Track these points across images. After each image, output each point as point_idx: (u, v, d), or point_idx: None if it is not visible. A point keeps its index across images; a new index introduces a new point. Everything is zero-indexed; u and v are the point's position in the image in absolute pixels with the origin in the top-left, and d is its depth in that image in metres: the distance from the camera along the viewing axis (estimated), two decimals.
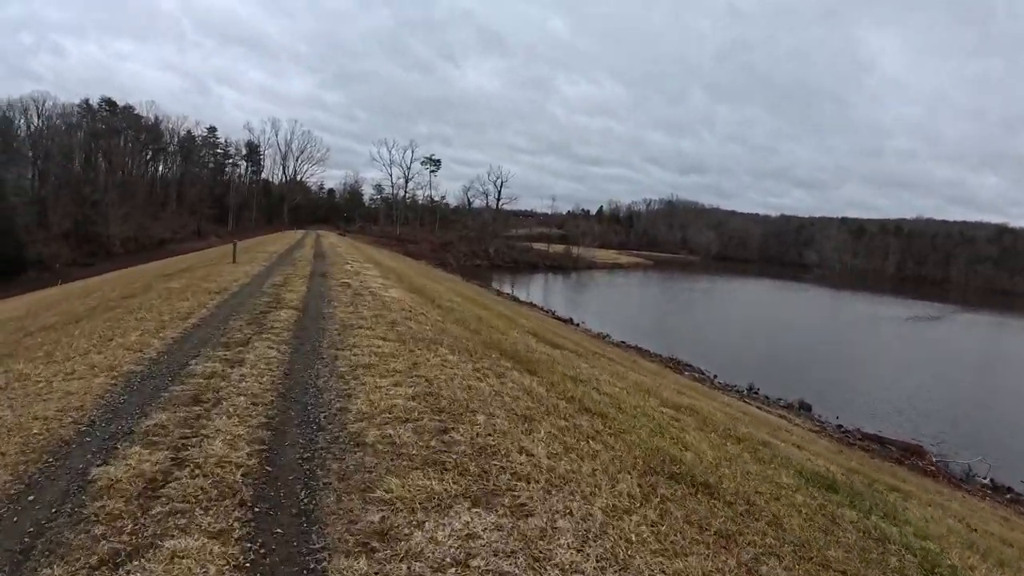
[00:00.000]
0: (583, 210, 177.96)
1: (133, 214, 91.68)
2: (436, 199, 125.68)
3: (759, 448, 10.07)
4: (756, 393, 28.40)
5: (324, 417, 6.36)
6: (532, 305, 54.65)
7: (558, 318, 47.12)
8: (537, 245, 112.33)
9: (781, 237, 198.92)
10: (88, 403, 6.53)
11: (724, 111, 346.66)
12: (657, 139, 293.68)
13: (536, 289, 76.36)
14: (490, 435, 6.18)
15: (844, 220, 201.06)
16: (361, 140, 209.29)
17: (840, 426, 24.38)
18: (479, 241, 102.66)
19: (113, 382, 7.35)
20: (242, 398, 6.78)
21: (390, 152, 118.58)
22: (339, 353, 9.11)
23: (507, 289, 70.55)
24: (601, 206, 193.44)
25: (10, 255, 77.07)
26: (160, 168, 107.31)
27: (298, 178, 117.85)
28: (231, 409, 6.37)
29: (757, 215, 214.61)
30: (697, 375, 30.83)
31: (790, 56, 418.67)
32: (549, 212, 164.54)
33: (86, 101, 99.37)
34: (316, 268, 23.95)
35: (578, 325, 45.10)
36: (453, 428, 6.21)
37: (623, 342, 38.60)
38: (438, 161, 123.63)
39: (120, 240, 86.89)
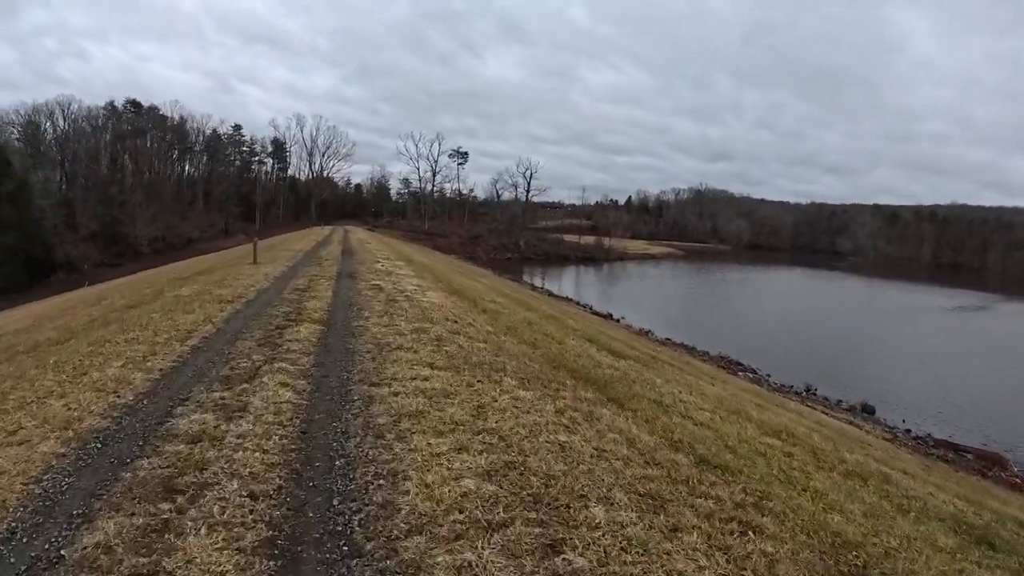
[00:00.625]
0: (611, 200, 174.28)
1: (161, 214, 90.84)
2: (464, 192, 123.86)
3: (887, 489, 8.12)
4: (815, 395, 26.35)
5: (359, 524, 4.04)
6: (569, 300, 52.36)
7: (597, 313, 44.87)
8: (568, 237, 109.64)
9: (813, 225, 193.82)
10: (12, 498, 4.31)
11: (751, 96, 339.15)
12: (683, 126, 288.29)
13: (570, 282, 73.93)
14: (624, 551, 3.85)
15: (877, 207, 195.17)
16: (385, 135, 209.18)
17: (909, 431, 22.32)
18: (508, 234, 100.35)
19: (62, 451, 5.12)
20: (235, 484, 4.48)
21: (416, 145, 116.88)
22: (375, 392, 6.80)
23: (540, 283, 68.25)
24: (630, 196, 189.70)
25: (39, 257, 76.50)
26: (187, 168, 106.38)
27: (325, 174, 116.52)
28: (216, 511, 4.07)
29: (787, 203, 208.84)
30: (751, 375, 28.80)
31: (816, 38, 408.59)
32: (576, 203, 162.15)
33: (111, 103, 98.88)
34: (344, 268, 21.81)
35: (619, 321, 42.86)
36: (564, 541, 3.87)
37: (668, 339, 36.27)
38: (465, 153, 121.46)
39: (147, 240, 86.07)
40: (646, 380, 11.85)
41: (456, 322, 12.07)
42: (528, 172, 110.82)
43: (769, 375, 28.91)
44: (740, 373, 28.31)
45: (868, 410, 24.49)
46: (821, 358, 35.86)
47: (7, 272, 72.97)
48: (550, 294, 54.33)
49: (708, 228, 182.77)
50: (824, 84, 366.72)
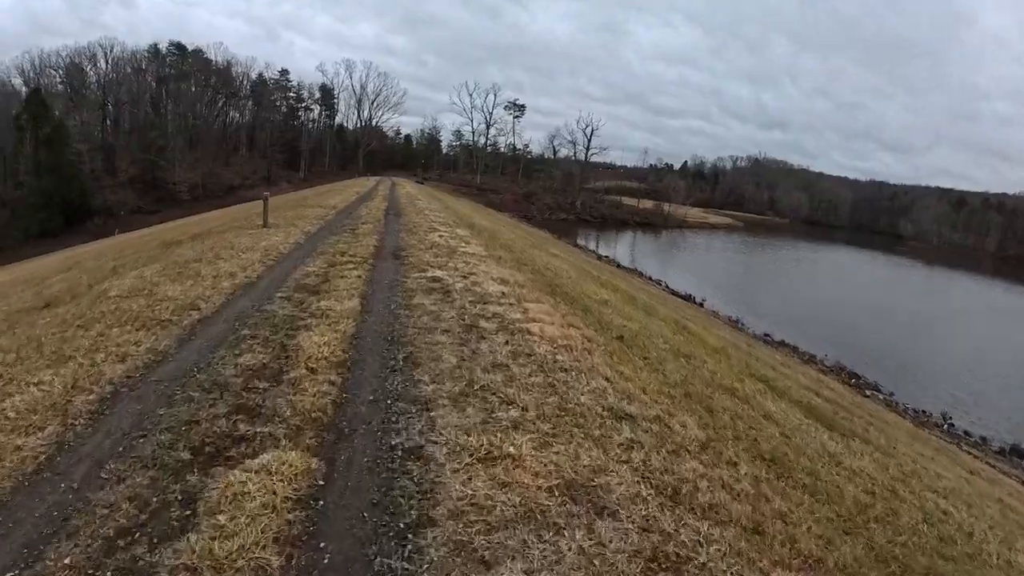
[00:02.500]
0: (667, 164, 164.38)
1: (203, 160, 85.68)
2: (519, 147, 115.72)
3: None
4: (952, 426, 21.21)
5: None
6: (638, 274, 45.23)
7: (676, 294, 37.94)
8: (626, 200, 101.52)
9: (872, 203, 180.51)
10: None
11: (809, 61, 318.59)
12: (737, 90, 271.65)
13: (632, 251, 66.39)
14: None
15: (943, 191, 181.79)
16: (432, 87, 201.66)
17: None
18: (564, 193, 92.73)
19: None
20: None
21: (471, 96, 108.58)
22: None
23: (598, 248, 61.13)
24: (685, 161, 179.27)
25: (75, 202, 72.28)
26: (231, 113, 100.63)
27: (374, 123, 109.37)
28: None
29: (846, 179, 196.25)
30: (873, 392, 23.26)
31: (879, 2, 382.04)
32: (628, 165, 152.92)
33: (155, 46, 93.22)
34: (386, 239, 15.16)
35: (701, 304, 35.88)
36: None
37: (767, 336, 29.84)
38: (522, 106, 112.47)
39: (187, 187, 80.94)
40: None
41: (620, 412, 5.23)
42: (589, 129, 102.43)
43: (893, 393, 23.69)
44: (868, 393, 22.45)
45: (1020, 454, 19.53)
46: (930, 369, 29.66)
47: (43, 216, 69.20)
48: (618, 265, 47.29)
49: (765, 199, 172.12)
50: (886, 53, 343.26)
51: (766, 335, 29.69)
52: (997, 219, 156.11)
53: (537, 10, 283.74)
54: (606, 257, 51.07)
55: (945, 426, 20.78)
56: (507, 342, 6.83)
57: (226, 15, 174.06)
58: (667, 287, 40.60)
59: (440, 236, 16.09)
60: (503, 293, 9.64)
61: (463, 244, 15.14)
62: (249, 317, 7.43)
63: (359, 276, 10.10)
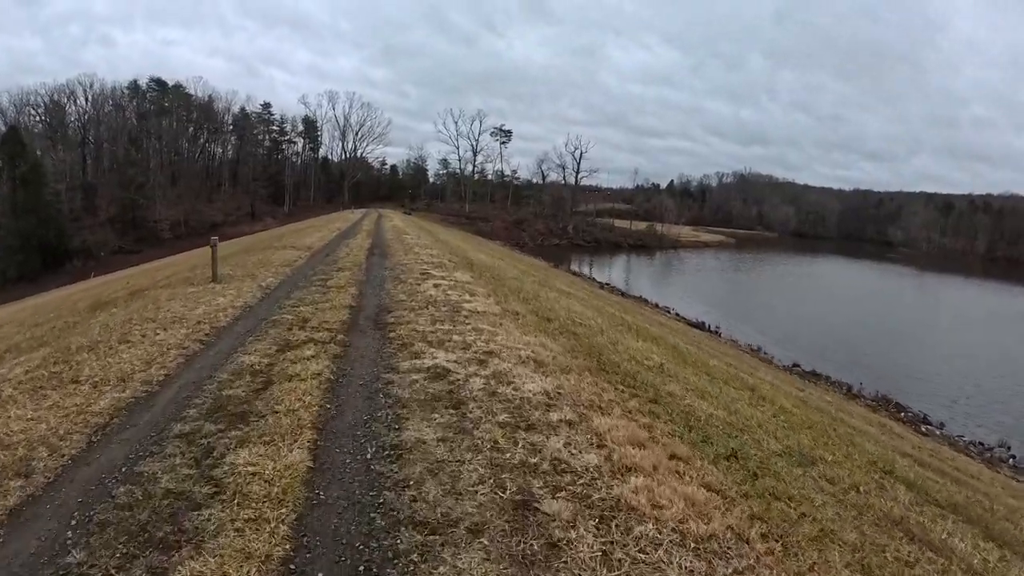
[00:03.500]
0: (653, 184, 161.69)
1: (185, 197, 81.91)
2: (507, 173, 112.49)
3: None
4: (1013, 457, 18.12)
5: None
6: (643, 301, 41.73)
7: (691, 323, 34.54)
8: (618, 222, 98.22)
9: (859, 213, 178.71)
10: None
11: (787, 77, 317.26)
12: (717, 108, 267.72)
13: (631, 276, 62.94)
14: None
15: (930, 196, 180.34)
16: (415, 117, 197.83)
17: None
18: (555, 218, 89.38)
19: None
20: None
21: (456, 123, 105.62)
22: None
23: (596, 274, 57.67)
24: (672, 180, 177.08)
25: (52, 244, 68.28)
26: (214, 148, 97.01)
27: (359, 154, 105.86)
28: None
29: (831, 189, 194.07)
30: (921, 424, 20.38)
31: (854, 13, 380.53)
32: (615, 187, 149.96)
33: (134, 82, 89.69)
34: (367, 296, 11.49)
35: (718, 333, 32.49)
36: None
37: (796, 366, 26.57)
38: (509, 132, 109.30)
39: (169, 225, 77.05)
40: None
41: None
42: (578, 151, 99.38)
43: (943, 424, 20.83)
44: (923, 428, 19.61)
45: None
46: (970, 390, 26.13)
47: (21, 259, 65.25)
48: (622, 293, 43.77)
49: (753, 214, 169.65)
50: (863, 64, 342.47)
51: (795, 365, 26.53)
52: (984, 221, 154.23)
53: (513, 37, 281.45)
54: (608, 285, 47.52)
55: (1010, 460, 17.71)
56: (604, 549, 3.18)
57: (206, 53, 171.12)
58: (678, 315, 37.11)
59: (436, 285, 12.39)
60: (547, 395, 6.00)
61: (467, 296, 11.45)
62: (95, 506, 3.72)
63: (318, 373, 6.40)
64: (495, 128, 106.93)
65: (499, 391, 6.04)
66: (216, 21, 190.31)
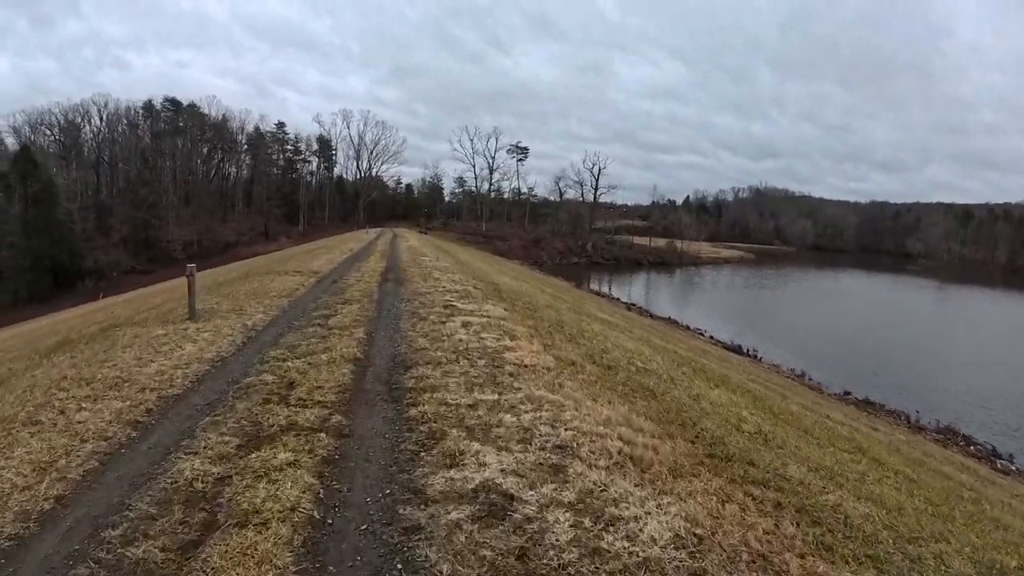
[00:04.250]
0: (668, 200, 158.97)
1: (199, 216, 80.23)
2: (524, 191, 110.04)
3: None
4: None
5: None
6: (674, 323, 38.98)
7: (726, 346, 31.82)
8: (637, 239, 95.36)
9: (876, 225, 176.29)
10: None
11: (793, 88, 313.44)
12: (725, 122, 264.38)
13: (654, 295, 60.05)
14: None
15: (947, 206, 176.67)
16: (426, 136, 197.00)
17: None
18: (573, 236, 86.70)
19: None
20: None
21: (472, 141, 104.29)
22: None
23: (617, 293, 54.91)
24: (687, 196, 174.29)
25: (64, 264, 66.54)
26: (228, 168, 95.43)
27: (373, 173, 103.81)
28: None
29: (847, 202, 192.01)
30: (993, 458, 18.08)
31: (857, 22, 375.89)
32: (629, 204, 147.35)
33: (149, 102, 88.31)
34: (378, 342, 8.91)
35: (756, 357, 29.87)
36: None
37: (848, 393, 24.13)
38: (525, 149, 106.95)
39: (182, 245, 75.19)
40: None
41: None
42: (596, 168, 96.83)
43: (1013, 457, 18.41)
44: (999, 464, 17.31)
45: None
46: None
47: (32, 279, 63.51)
48: (651, 315, 40.97)
49: (770, 228, 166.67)
50: (869, 72, 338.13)
51: (847, 393, 23.98)
52: (1005, 230, 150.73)
53: (519, 55, 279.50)
54: (635, 306, 44.74)
55: None
56: None
57: (217, 74, 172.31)
58: (712, 338, 34.28)
59: (465, 324, 9.74)
60: (684, 547, 3.36)
61: (506, 341, 8.79)
62: None
63: (292, 508, 3.76)
64: (511, 145, 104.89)
65: (603, 546, 3.38)
66: (227, 43, 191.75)
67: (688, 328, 37.39)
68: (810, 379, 26.09)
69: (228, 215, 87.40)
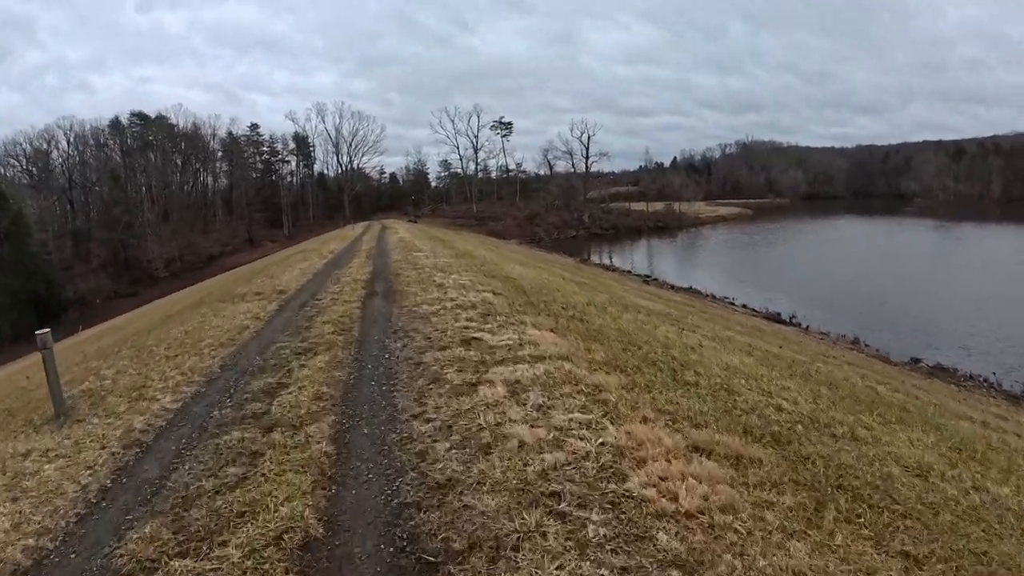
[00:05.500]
0: (657, 163, 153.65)
1: (179, 230, 75.39)
2: (512, 168, 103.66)
3: None
4: None
5: None
6: (697, 294, 34.71)
7: (767, 316, 28.02)
8: (634, 206, 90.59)
9: (866, 169, 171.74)
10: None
11: (769, 40, 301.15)
12: (703, 80, 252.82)
13: (665, 263, 55.61)
14: None
15: (936, 143, 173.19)
16: (403, 124, 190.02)
17: None
18: (568, 209, 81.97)
19: None
20: None
21: (453, 122, 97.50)
22: None
23: (628, 265, 50.57)
24: (675, 156, 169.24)
25: (42, 297, 62.01)
26: (205, 177, 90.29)
27: (355, 165, 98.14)
28: None
29: (833, 148, 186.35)
30: None
31: None
32: (616, 171, 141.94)
33: (115, 119, 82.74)
34: (361, 439, 4.61)
35: (804, 328, 26.14)
36: None
37: (918, 361, 20.32)
38: (509, 124, 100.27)
39: (164, 262, 70.54)
40: None
41: None
42: (585, 135, 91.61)
43: None
44: None
45: None
46: None
47: (15, 319, 59.01)
48: (671, 287, 36.71)
49: (762, 182, 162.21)
50: (844, 16, 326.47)
51: (915, 360, 20.11)
52: (997, 163, 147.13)
53: (486, 32, 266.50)
54: (652, 279, 40.38)
55: None
56: None
57: (183, 85, 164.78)
58: (746, 307, 30.12)
59: (514, 393, 5.37)
60: None
61: (609, 431, 4.46)
62: None
63: None
64: (494, 122, 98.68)
65: None
66: (189, 53, 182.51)
67: (713, 298, 33.18)
68: (866, 345, 22.39)
69: (209, 226, 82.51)
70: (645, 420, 4.78)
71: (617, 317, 11.32)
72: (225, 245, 76.23)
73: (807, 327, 25.54)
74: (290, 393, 5.81)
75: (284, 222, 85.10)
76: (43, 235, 70.18)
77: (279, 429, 4.97)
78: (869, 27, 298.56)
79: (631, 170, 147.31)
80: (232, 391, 6.23)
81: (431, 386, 5.60)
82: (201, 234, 78.96)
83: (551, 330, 7.92)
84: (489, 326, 7.87)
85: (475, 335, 7.37)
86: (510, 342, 6.97)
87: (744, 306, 30.60)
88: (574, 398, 5.19)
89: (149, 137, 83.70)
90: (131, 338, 11.28)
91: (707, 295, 34.12)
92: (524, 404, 5.01)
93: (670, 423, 4.77)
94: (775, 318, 27.28)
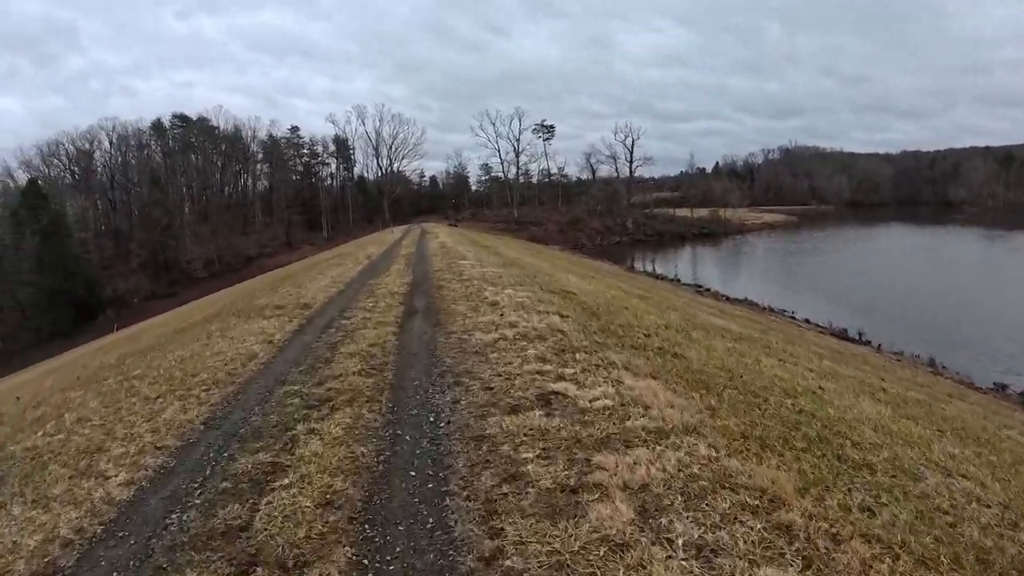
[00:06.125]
0: (698, 168, 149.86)
1: (219, 232, 74.97)
2: (554, 172, 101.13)
3: None
4: None
5: None
6: (754, 306, 32.06)
7: (828, 331, 25.54)
8: (679, 212, 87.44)
9: (911, 175, 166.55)
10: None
11: (805, 42, 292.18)
12: (740, 84, 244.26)
13: (715, 273, 52.73)
14: None
15: (985, 150, 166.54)
16: (440, 129, 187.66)
17: None
18: (611, 214, 79.41)
19: None
20: None
21: (494, 125, 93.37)
22: None
23: (676, 273, 47.82)
24: (717, 162, 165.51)
25: (81, 296, 61.95)
26: (245, 179, 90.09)
27: (395, 168, 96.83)
28: None
29: (879, 154, 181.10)
30: None
31: None
32: (655, 176, 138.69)
33: (158, 120, 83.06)
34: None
35: (870, 344, 23.36)
36: None
37: (1004, 387, 18.01)
38: (551, 127, 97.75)
39: (202, 263, 70.16)
40: None
41: None
42: (630, 139, 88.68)
43: None
44: None
45: None
46: None
47: (53, 316, 59.23)
48: (727, 299, 34.10)
49: (805, 188, 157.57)
50: (882, 17, 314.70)
51: (1000, 386, 17.55)
52: None
53: (520, 36, 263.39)
54: (705, 288, 37.85)
55: None
56: None
57: (224, 90, 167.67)
58: (810, 323, 27.47)
59: (621, 489, 3.29)
60: None
61: None
62: None
63: None
64: (536, 124, 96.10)
65: None
66: (228, 59, 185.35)
67: (771, 311, 30.49)
68: (943, 367, 19.78)
69: (248, 227, 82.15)
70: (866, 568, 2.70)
71: (709, 348, 9.14)
72: (264, 247, 75.63)
73: (879, 346, 22.96)
74: (287, 488, 3.79)
75: (323, 225, 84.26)
76: (83, 235, 70.47)
77: (258, 571, 2.96)
78: (907, 28, 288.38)
79: (670, 175, 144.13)
80: (208, 472, 4.24)
81: (505, 491, 3.51)
82: (240, 235, 78.55)
83: (651, 376, 5.80)
84: (570, 370, 5.77)
85: (554, 386, 5.27)
86: (608, 401, 4.85)
87: (807, 321, 27.99)
88: (743, 523, 3.09)
89: (191, 139, 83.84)
90: (126, 359, 9.51)
91: (765, 308, 31.49)
92: (670, 543, 2.90)
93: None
94: (843, 335, 24.75)
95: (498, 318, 8.47)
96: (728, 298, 34.32)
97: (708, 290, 37.50)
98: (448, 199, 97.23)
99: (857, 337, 24.34)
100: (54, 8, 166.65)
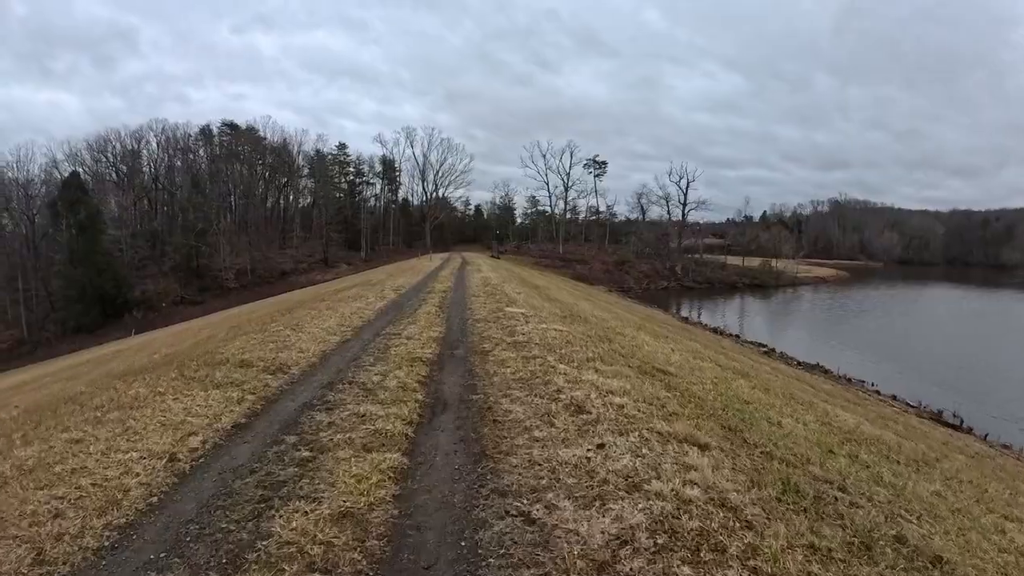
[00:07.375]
0: (745, 216, 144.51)
1: (255, 243, 72.72)
2: (603, 209, 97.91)
3: None
4: None
5: None
6: (827, 372, 27.39)
7: (915, 410, 20.96)
8: (730, 259, 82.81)
9: (963, 235, 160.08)
10: None
11: (856, 93, 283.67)
12: (788, 133, 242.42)
13: (771, 328, 47.78)
14: None
15: None
16: (486, 160, 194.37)
17: None
18: (659, 258, 75.13)
19: None
20: None
21: (545, 157, 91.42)
22: None
23: (724, 326, 43.13)
24: (764, 211, 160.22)
25: (109, 293, 60.20)
26: (288, 192, 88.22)
27: (440, 193, 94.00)
28: None
29: (930, 212, 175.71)
30: None
31: (915, 17, 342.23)
32: (701, 222, 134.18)
33: (206, 126, 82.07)
34: None
35: (969, 430, 18.79)
36: None
37: None
38: (603, 163, 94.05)
39: (235, 273, 67.89)
40: None
41: None
42: (684, 181, 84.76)
43: None
44: None
45: None
46: None
47: (79, 310, 57.74)
48: (797, 363, 29.43)
49: (854, 242, 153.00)
50: (933, 71, 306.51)
51: None
52: None
53: (569, 73, 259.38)
54: (770, 349, 33.13)
55: None
56: None
57: (275, 106, 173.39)
58: (896, 400, 22.77)
59: None
60: None
61: None
62: None
63: None
64: (588, 159, 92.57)
65: None
66: (281, 76, 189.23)
67: (848, 381, 25.87)
68: None
69: (286, 242, 79.91)
70: None
71: (932, 506, 5.01)
72: (299, 263, 73.17)
73: (986, 436, 18.35)
74: None
75: (362, 245, 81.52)
76: (120, 232, 68.99)
77: None
78: (960, 84, 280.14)
79: (714, 222, 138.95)
80: None
81: None
82: (277, 249, 76.40)
83: None
84: None
85: None
86: None
87: (895, 398, 23.32)
88: None
89: (237, 147, 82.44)
90: (94, 392, 5.85)
91: (839, 376, 26.92)
92: None
93: None
94: (937, 418, 20.17)
95: (593, 453, 4.49)
96: (798, 362, 29.72)
97: (774, 351, 32.82)
98: (492, 229, 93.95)
99: (958, 422, 19.83)
100: (118, 12, 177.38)
